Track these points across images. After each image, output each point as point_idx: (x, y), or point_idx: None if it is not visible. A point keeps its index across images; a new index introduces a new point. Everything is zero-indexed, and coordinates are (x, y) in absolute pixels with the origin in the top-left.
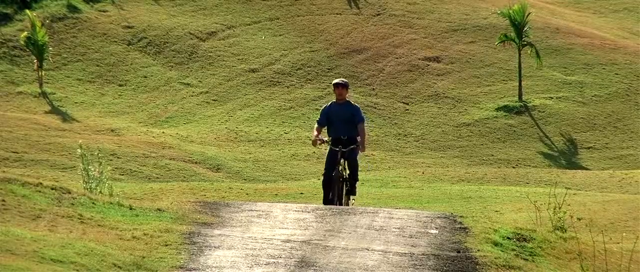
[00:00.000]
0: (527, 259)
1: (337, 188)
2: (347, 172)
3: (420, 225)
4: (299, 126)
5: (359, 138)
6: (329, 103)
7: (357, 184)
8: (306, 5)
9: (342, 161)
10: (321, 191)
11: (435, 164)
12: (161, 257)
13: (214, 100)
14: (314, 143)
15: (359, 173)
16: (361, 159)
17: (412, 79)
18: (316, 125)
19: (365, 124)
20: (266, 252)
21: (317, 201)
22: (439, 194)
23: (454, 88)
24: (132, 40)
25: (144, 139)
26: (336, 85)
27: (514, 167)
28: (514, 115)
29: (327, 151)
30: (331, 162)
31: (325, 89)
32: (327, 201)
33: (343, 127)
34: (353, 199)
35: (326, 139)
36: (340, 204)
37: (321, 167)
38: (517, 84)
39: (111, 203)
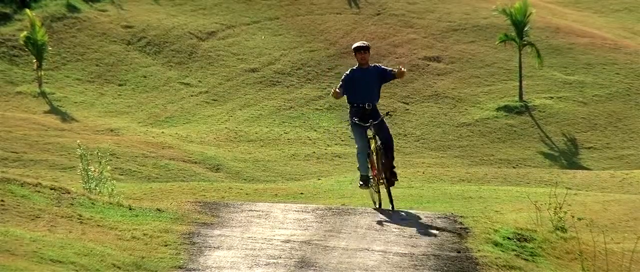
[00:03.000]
0: (527, 260)
1: (379, 160)
2: (379, 144)
3: (420, 225)
4: (298, 126)
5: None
6: (349, 70)
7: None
8: (306, 5)
9: (371, 133)
10: (321, 191)
11: (435, 164)
12: (161, 258)
13: (213, 100)
14: (336, 95)
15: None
16: None
17: (412, 79)
18: (339, 86)
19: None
20: (266, 253)
21: (316, 201)
22: (439, 194)
23: (454, 88)
24: (131, 40)
25: (144, 139)
26: (358, 49)
27: (514, 167)
28: (514, 115)
29: (352, 125)
30: (363, 137)
31: (325, 89)
32: (365, 179)
33: (368, 93)
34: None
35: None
36: (382, 178)
37: (321, 168)
38: (518, 83)
39: (110, 203)
